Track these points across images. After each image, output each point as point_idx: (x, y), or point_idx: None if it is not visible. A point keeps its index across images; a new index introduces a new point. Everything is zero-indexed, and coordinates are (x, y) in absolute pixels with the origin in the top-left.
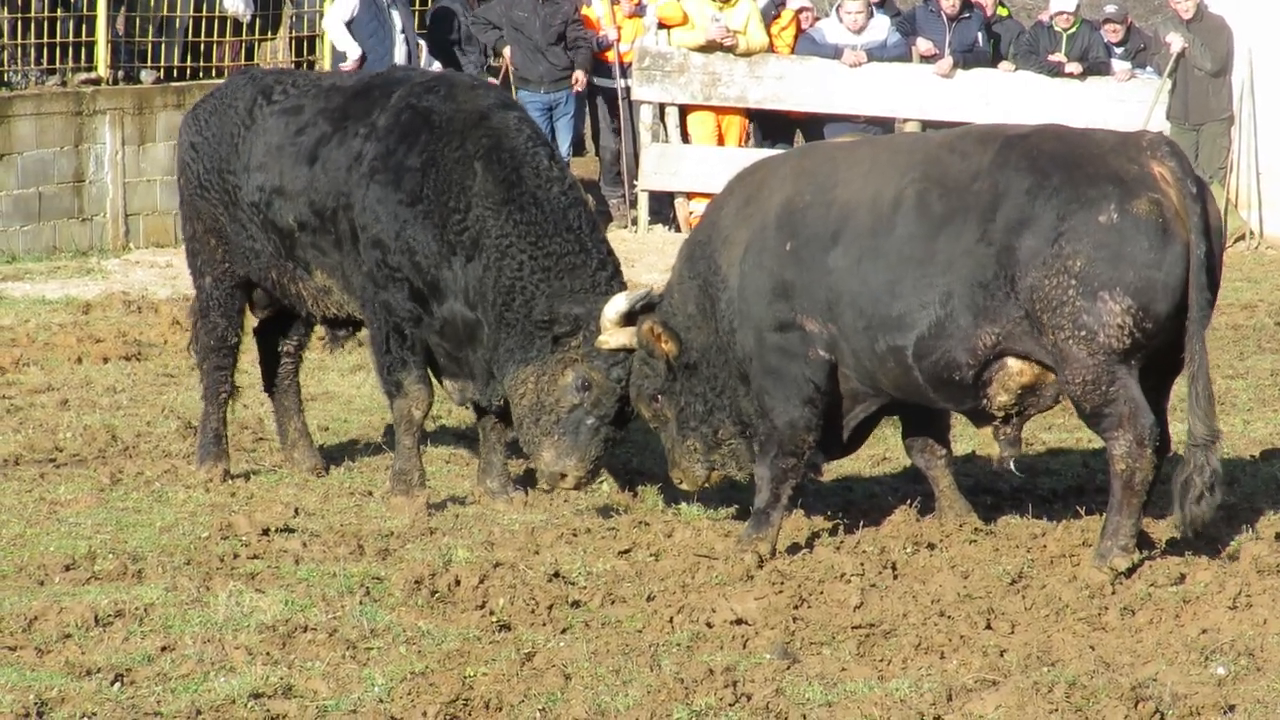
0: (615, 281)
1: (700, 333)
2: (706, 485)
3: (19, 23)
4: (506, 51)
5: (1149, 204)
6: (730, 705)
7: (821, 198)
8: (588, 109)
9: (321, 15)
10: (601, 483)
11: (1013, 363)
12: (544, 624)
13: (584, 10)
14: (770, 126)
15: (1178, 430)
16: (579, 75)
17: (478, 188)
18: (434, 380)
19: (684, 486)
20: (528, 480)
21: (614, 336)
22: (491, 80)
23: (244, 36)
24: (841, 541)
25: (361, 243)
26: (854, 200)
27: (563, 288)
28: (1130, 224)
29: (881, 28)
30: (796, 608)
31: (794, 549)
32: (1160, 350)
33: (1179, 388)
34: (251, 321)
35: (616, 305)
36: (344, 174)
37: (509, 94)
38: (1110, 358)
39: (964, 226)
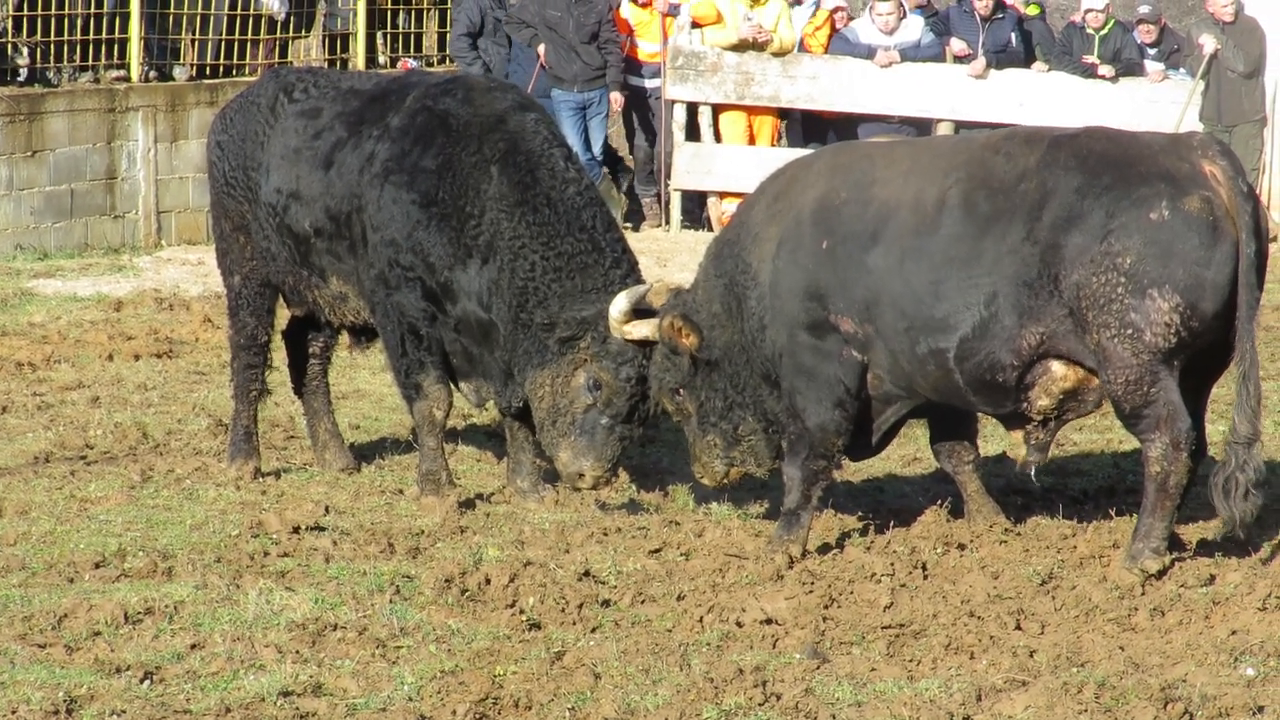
0: (629, 280)
1: (723, 331)
2: (726, 482)
3: (53, 20)
4: (541, 49)
5: (1200, 202)
6: (760, 705)
7: (859, 195)
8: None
9: (355, 13)
10: (631, 482)
11: (1057, 366)
12: (574, 623)
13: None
14: (805, 126)
15: (1213, 432)
16: (617, 96)
17: (493, 191)
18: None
19: (704, 481)
20: (557, 479)
21: (636, 328)
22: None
23: (277, 34)
24: (872, 542)
25: (372, 243)
26: (894, 199)
27: (574, 287)
28: (1181, 221)
29: (915, 28)
30: (826, 607)
31: (824, 549)
32: (1201, 353)
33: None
34: (280, 322)
35: (619, 304)
36: (356, 176)
37: (527, 94)
38: (1154, 357)
39: (1010, 226)
